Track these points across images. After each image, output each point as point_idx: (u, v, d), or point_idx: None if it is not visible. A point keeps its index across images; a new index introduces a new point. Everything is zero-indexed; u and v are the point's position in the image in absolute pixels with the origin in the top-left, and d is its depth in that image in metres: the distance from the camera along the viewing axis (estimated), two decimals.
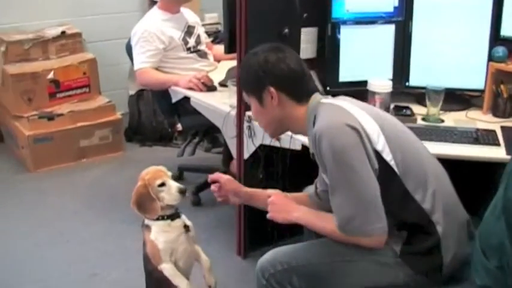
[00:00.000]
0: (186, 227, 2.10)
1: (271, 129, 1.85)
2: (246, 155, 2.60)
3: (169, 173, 2.08)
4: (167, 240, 2.04)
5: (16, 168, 4.02)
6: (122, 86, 4.53)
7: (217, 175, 2.06)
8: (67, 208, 3.48)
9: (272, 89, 1.70)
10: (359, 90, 2.34)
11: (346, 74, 2.60)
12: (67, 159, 4.01)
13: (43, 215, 3.39)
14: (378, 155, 1.60)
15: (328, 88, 2.54)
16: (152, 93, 3.79)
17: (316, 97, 1.74)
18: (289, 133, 2.01)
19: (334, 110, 1.67)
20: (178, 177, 3.66)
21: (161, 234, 2.04)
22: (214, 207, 3.29)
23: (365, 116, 1.64)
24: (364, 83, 2.40)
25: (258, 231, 2.68)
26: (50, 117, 4.00)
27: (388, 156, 1.61)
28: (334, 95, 1.88)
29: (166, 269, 2.04)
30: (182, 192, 2.02)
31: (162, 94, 3.30)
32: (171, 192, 2.01)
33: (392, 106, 2.44)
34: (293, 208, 1.80)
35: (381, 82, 2.37)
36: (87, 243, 3.08)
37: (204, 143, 3.52)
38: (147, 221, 2.07)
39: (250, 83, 1.78)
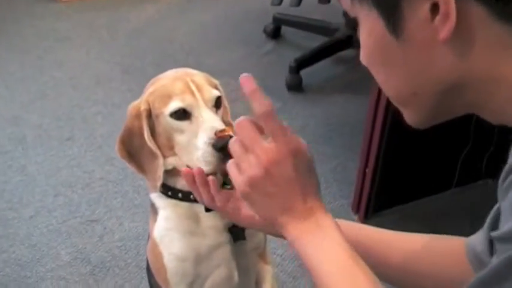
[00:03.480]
0: (233, 229, 0.94)
1: (417, 112, 0.63)
2: None
3: (214, 92, 0.88)
4: (184, 255, 0.92)
5: None
6: None
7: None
8: (89, 69, 2.50)
9: None
10: None
11: None
12: None
13: (53, 80, 2.43)
14: None
15: None
16: None
17: None
18: None
19: None
20: (273, 34, 2.65)
21: (174, 236, 0.93)
22: (326, 97, 2.25)
23: None
24: None
25: (392, 182, 1.69)
26: None
27: None
28: None
29: None
30: (221, 147, 0.81)
31: None
32: (198, 135, 0.84)
33: None
34: (311, 207, 0.70)
35: None
36: (100, 146, 2.07)
37: None
38: (152, 195, 0.96)
39: None
